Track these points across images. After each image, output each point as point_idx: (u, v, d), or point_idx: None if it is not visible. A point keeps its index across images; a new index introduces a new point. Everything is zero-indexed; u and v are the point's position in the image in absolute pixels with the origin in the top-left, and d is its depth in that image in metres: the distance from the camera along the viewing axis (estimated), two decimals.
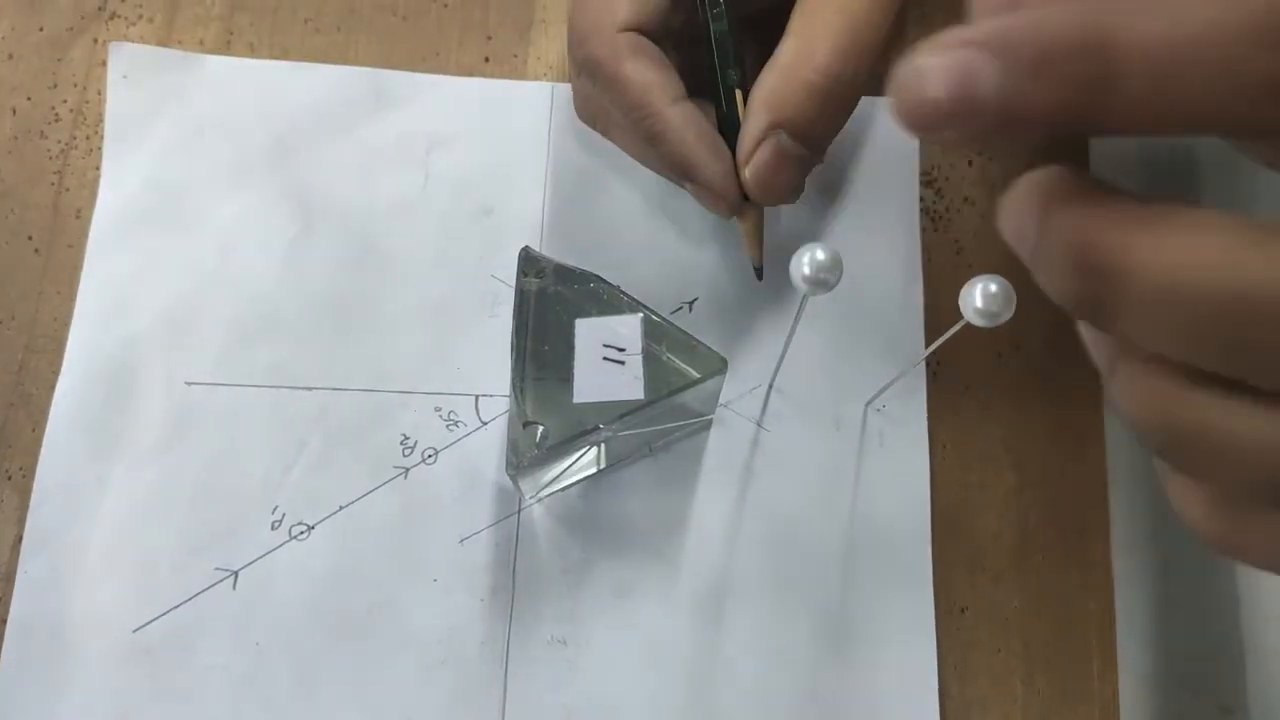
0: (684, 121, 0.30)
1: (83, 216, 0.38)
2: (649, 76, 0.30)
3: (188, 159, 0.39)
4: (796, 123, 0.29)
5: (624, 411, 0.30)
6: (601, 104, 0.32)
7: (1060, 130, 0.16)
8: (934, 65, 0.15)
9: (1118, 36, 0.15)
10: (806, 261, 0.25)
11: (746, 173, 0.30)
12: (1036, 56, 0.15)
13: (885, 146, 0.39)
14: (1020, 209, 0.17)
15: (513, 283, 0.33)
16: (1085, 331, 0.19)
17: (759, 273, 0.35)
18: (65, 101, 0.39)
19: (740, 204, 0.32)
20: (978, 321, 0.26)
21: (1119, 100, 0.15)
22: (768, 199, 0.32)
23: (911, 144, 0.40)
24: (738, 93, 0.31)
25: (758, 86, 0.30)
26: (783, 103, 0.29)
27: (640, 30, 0.30)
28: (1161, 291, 0.15)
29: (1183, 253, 0.15)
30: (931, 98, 0.15)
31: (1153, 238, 0.15)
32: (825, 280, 0.25)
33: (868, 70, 0.29)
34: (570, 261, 0.33)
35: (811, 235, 0.32)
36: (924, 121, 0.16)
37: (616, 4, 0.30)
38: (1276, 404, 0.15)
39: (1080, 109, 0.15)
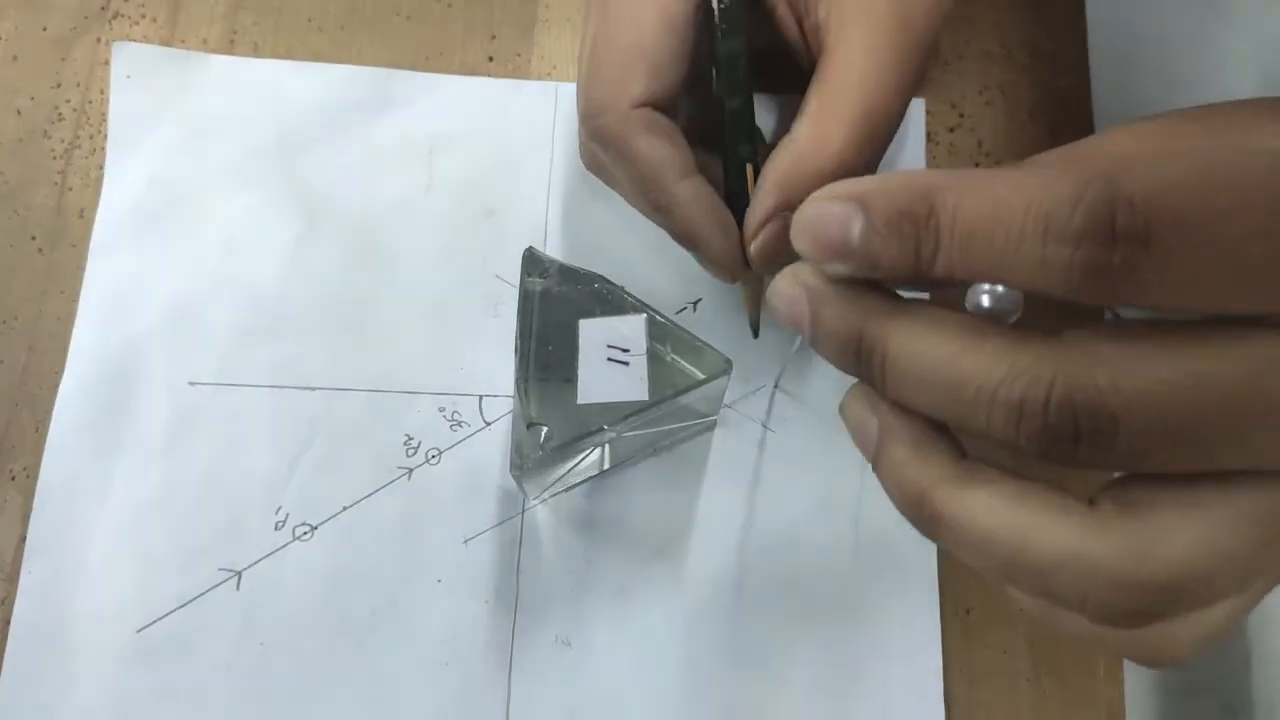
0: (692, 198, 0.30)
1: (86, 216, 0.38)
2: (660, 153, 0.30)
3: (191, 159, 0.38)
4: None
5: (628, 412, 0.30)
6: (609, 167, 0.32)
7: (912, 281, 0.21)
8: (825, 211, 0.21)
9: (939, 206, 0.20)
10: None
11: (753, 248, 0.30)
12: (884, 216, 0.20)
13: (891, 146, 0.39)
14: (797, 307, 0.23)
15: (516, 283, 0.33)
16: (850, 421, 0.24)
17: (755, 330, 0.35)
18: (69, 101, 0.39)
19: (742, 272, 0.32)
20: None
21: (940, 258, 0.20)
22: (771, 271, 0.32)
23: (918, 143, 0.40)
24: (749, 167, 0.31)
25: (771, 165, 0.30)
26: (794, 187, 0.29)
27: (653, 105, 0.30)
28: (908, 366, 0.21)
29: (922, 339, 0.21)
30: (822, 236, 0.21)
31: (903, 329, 0.21)
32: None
33: (879, 158, 0.30)
34: (574, 262, 0.33)
35: None
36: (819, 251, 0.21)
37: (631, 81, 0.29)
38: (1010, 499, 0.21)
39: (915, 263, 0.20)
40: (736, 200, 0.31)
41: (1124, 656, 0.24)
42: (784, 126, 0.37)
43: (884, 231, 0.20)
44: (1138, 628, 0.20)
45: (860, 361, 0.22)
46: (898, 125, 0.30)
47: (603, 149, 0.30)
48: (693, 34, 0.30)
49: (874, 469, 0.23)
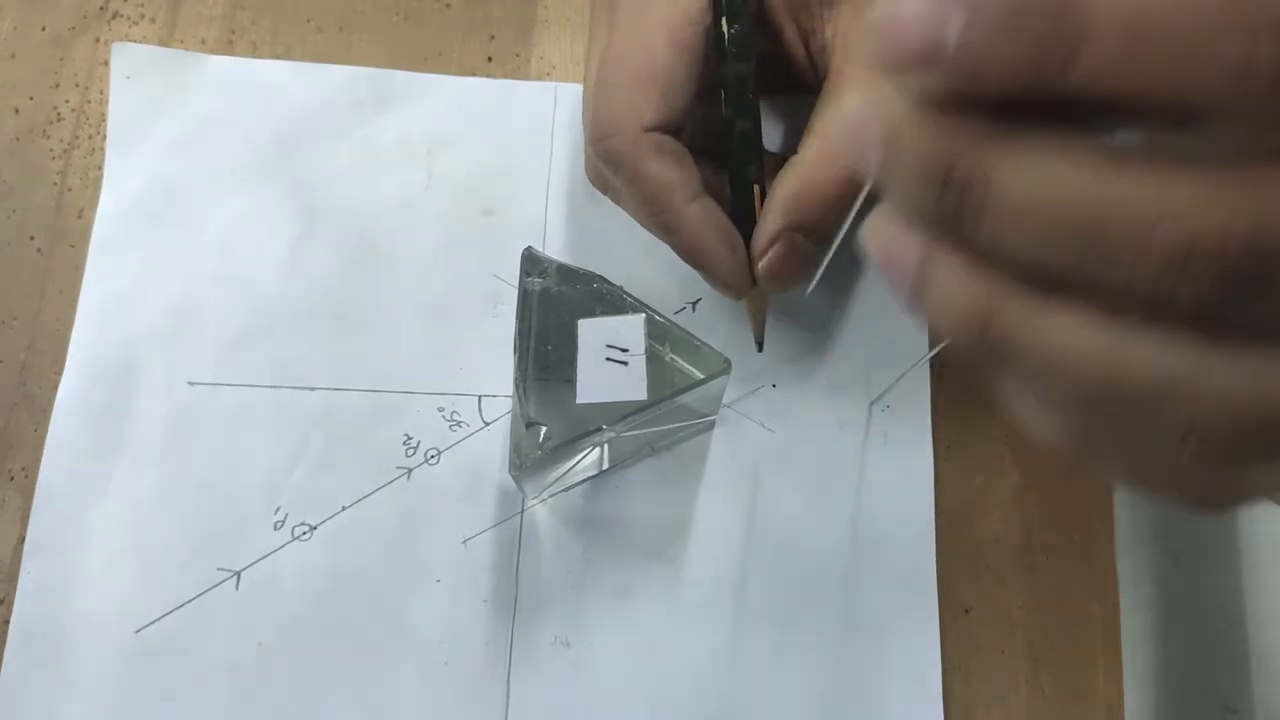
0: (700, 219, 0.30)
1: (85, 216, 0.38)
2: (669, 176, 0.30)
3: (190, 159, 0.38)
4: (814, 227, 0.30)
5: (627, 412, 0.30)
6: (617, 186, 0.32)
7: (1022, 89, 0.15)
8: (908, 11, 0.15)
9: None
10: None
11: (760, 266, 0.31)
12: (1004, 13, 0.15)
13: None
14: (864, 129, 0.17)
15: (515, 283, 0.33)
16: (878, 243, 0.19)
17: (760, 345, 0.35)
18: (67, 101, 0.39)
19: (748, 289, 0.32)
20: None
21: (1085, 62, 0.15)
22: (778, 290, 0.32)
23: None
24: (756, 189, 0.31)
25: (777, 187, 0.30)
26: (802, 207, 0.30)
27: (663, 128, 0.30)
28: (1024, 203, 0.16)
29: (1047, 169, 0.16)
30: (902, 41, 0.16)
31: (1017, 154, 0.16)
32: None
33: None
34: (573, 262, 0.33)
35: None
36: (895, 62, 0.16)
37: (643, 105, 0.29)
38: (1104, 315, 0.17)
39: (1042, 68, 0.15)
40: (742, 219, 0.31)
41: (1178, 495, 0.20)
42: (783, 134, 0.37)
43: (1004, 28, 0.15)
44: (1241, 465, 0.18)
45: (947, 199, 0.17)
46: None
47: (612, 170, 0.31)
48: (702, 57, 0.30)
49: (912, 300, 0.19)
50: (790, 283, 0.32)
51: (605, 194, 0.34)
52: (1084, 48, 0.15)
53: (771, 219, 0.30)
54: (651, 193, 0.30)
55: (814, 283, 0.31)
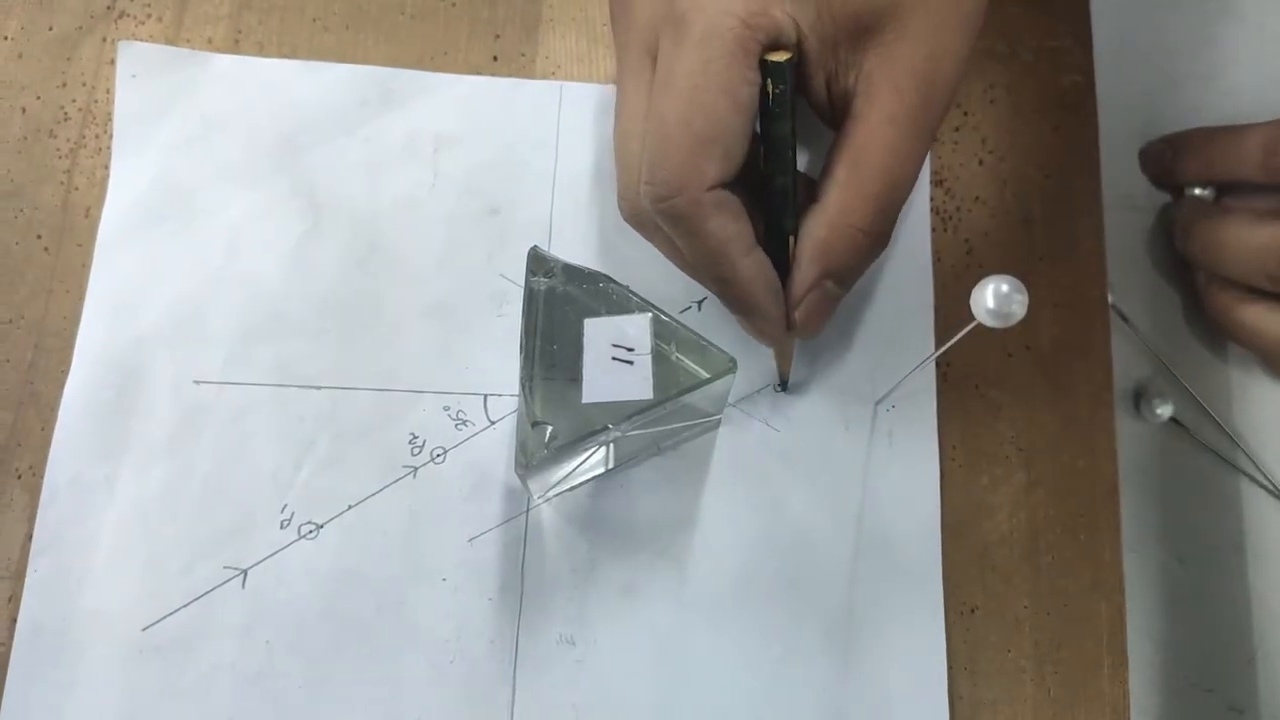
0: (755, 273, 0.31)
1: (92, 215, 0.38)
2: (729, 230, 0.30)
3: (196, 158, 0.39)
4: (844, 274, 0.32)
5: (633, 411, 0.30)
6: (668, 238, 0.33)
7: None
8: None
9: None
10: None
11: (797, 315, 0.32)
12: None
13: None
14: None
15: (521, 282, 0.33)
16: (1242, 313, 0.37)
17: (784, 385, 0.37)
18: (74, 100, 0.39)
19: (784, 335, 0.33)
20: (989, 322, 0.26)
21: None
22: (809, 335, 0.34)
23: None
24: (791, 239, 0.32)
25: (809, 236, 0.31)
26: (834, 256, 0.31)
27: (724, 185, 0.30)
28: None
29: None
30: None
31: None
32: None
33: (898, 216, 0.32)
34: (579, 261, 0.33)
35: None
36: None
37: (706, 164, 0.30)
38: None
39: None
40: (778, 268, 0.32)
41: None
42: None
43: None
44: None
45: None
46: (914, 184, 0.31)
47: (672, 225, 0.31)
48: (756, 115, 0.31)
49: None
50: (820, 328, 0.33)
51: (642, 234, 0.34)
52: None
53: (807, 269, 0.32)
54: (713, 247, 0.31)
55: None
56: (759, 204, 0.32)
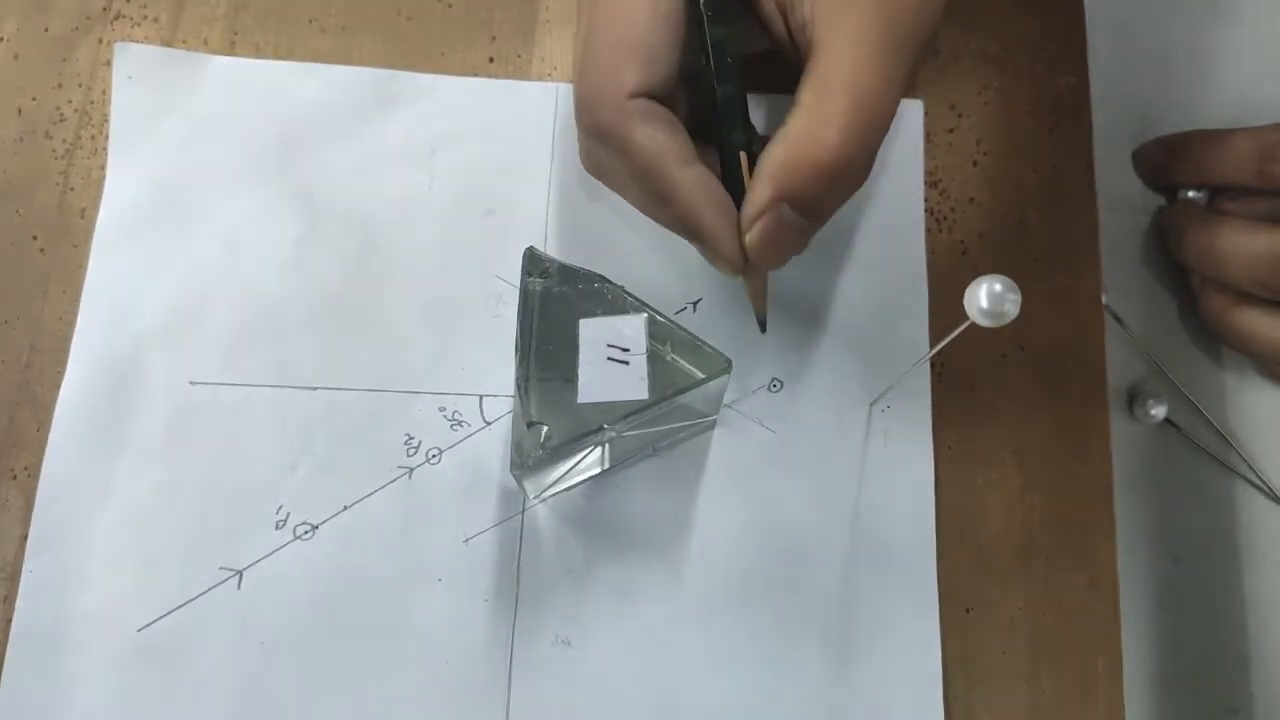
0: (694, 184, 0.30)
1: (87, 216, 0.38)
2: (659, 141, 0.29)
3: (192, 159, 0.39)
4: (802, 199, 0.29)
5: (628, 412, 0.30)
6: (610, 164, 0.32)
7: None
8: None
9: None
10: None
11: (748, 240, 0.30)
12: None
13: (890, 147, 0.39)
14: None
15: (517, 283, 0.33)
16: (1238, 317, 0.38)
17: (763, 325, 0.35)
18: (70, 101, 0.39)
19: (746, 265, 0.32)
20: (983, 322, 0.26)
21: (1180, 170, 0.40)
22: (767, 265, 0.32)
23: (916, 143, 0.40)
24: (743, 155, 0.30)
25: (765, 158, 0.30)
26: (790, 179, 0.29)
27: (648, 95, 0.30)
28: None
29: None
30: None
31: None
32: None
33: (877, 149, 0.30)
34: (575, 261, 0.33)
35: (817, 237, 0.32)
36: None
37: (622, 72, 0.29)
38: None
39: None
40: (732, 190, 0.31)
41: None
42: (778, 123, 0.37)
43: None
44: None
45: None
46: (892, 116, 0.29)
47: (601, 144, 0.30)
48: (684, 25, 0.30)
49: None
50: (779, 259, 0.31)
51: (601, 179, 0.33)
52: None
53: (760, 190, 0.30)
54: (642, 160, 0.29)
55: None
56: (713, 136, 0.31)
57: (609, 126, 0.30)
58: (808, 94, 0.29)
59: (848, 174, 0.29)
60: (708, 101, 0.31)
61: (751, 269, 0.32)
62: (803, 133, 0.29)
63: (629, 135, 0.29)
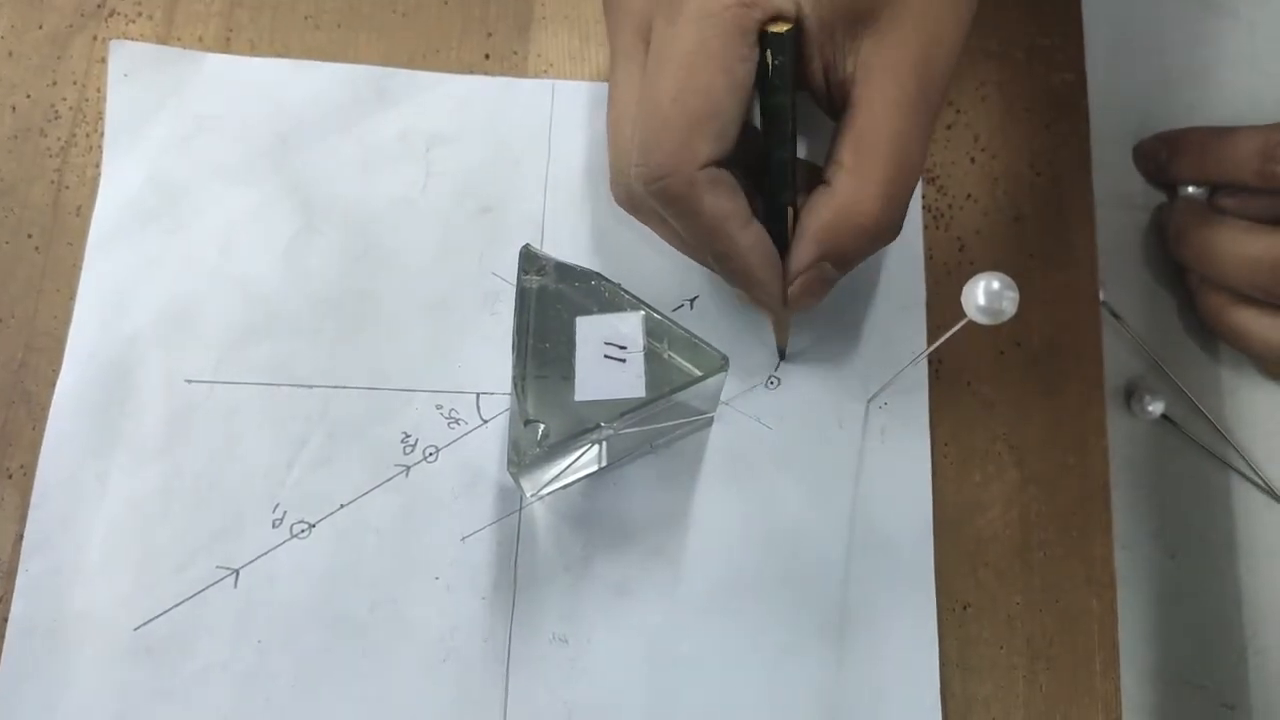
0: (752, 246, 0.31)
1: (83, 214, 0.38)
2: (725, 207, 0.30)
3: (188, 157, 0.38)
4: (843, 259, 0.32)
5: (625, 409, 0.30)
6: (658, 212, 0.32)
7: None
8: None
9: None
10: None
11: (790, 291, 0.32)
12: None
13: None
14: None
15: (514, 280, 0.33)
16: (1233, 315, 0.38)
17: (782, 354, 0.37)
18: (65, 99, 0.39)
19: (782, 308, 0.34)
20: (980, 319, 0.26)
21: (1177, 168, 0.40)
22: (801, 310, 0.34)
23: None
24: (789, 209, 0.32)
25: (810, 219, 0.31)
26: (835, 240, 0.31)
27: (717, 163, 0.30)
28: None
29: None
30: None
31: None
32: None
33: (907, 207, 0.31)
34: (571, 259, 0.33)
35: None
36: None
37: (697, 143, 0.29)
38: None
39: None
40: (776, 240, 0.32)
41: None
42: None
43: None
44: None
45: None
46: (920, 173, 0.31)
47: (666, 205, 0.31)
48: (752, 90, 0.30)
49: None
50: (814, 305, 0.33)
51: (634, 215, 0.34)
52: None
53: (805, 248, 0.31)
54: (708, 225, 0.31)
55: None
56: (756, 179, 0.32)
57: (678, 194, 0.30)
58: (847, 153, 0.31)
59: (886, 236, 0.32)
60: (753, 153, 0.32)
61: (784, 310, 0.34)
62: (846, 199, 0.31)
63: (698, 206, 0.30)
